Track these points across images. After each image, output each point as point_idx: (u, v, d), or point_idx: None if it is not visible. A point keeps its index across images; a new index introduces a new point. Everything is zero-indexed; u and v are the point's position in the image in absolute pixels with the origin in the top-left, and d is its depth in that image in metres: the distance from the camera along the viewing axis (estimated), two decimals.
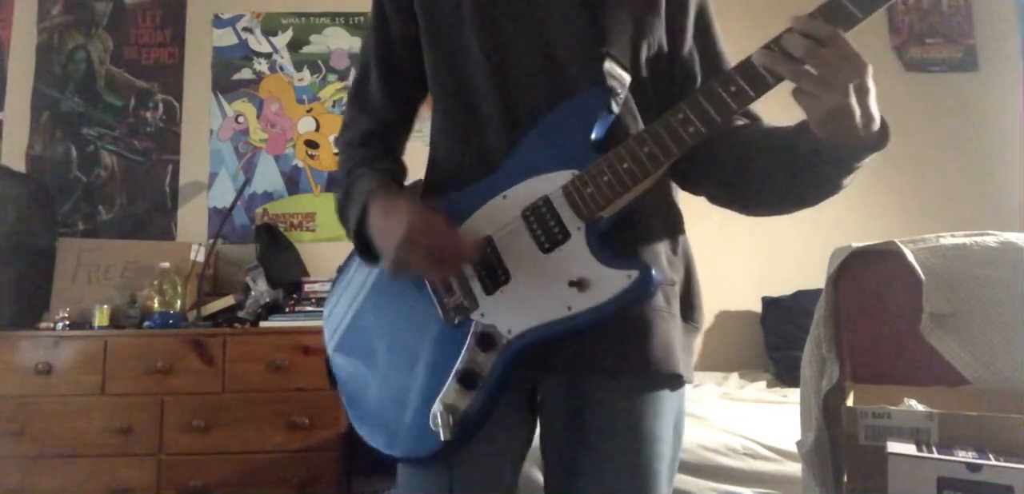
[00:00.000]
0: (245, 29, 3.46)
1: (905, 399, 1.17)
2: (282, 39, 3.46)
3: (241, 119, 3.40)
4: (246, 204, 3.31)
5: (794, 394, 1.91)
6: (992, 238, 1.40)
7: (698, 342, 1.04)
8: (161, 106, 3.39)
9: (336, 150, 1.16)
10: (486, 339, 0.91)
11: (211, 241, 3.09)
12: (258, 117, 3.40)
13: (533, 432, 1.05)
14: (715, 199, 1.06)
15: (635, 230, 0.97)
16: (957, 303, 1.35)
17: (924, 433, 1.06)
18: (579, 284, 0.89)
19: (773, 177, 0.95)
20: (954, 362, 1.33)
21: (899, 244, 1.42)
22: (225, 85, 3.41)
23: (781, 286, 3.18)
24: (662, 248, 1.01)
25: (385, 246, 0.93)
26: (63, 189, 3.29)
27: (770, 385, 2.83)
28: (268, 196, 3.34)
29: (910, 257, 1.39)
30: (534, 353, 0.92)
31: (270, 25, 3.47)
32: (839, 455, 1.29)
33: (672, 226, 1.04)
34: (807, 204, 0.94)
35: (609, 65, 0.96)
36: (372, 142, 1.11)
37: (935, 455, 0.99)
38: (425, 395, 0.93)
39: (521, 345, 0.91)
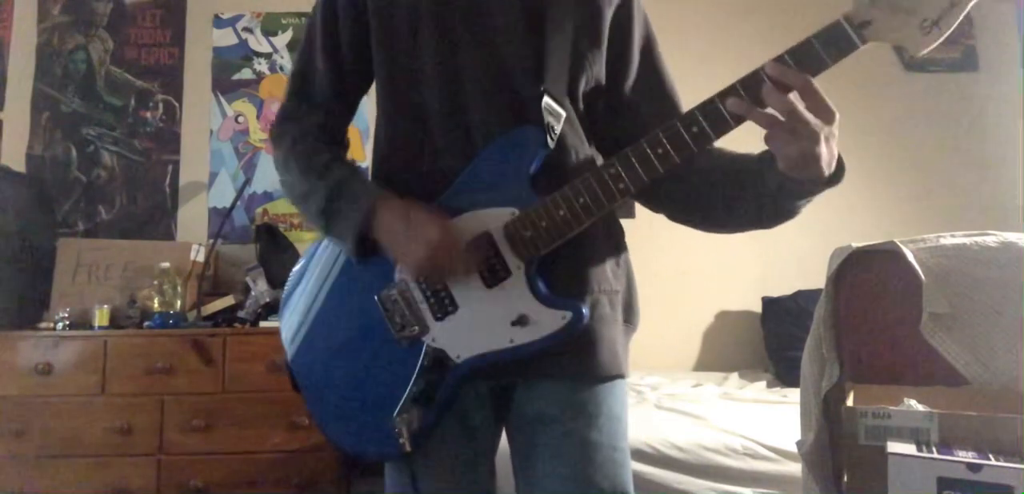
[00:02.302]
0: (245, 29, 3.46)
1: (905, 399, 1.16)
2: (282, 39, 3.46)
3: (241, 119, 3.40)
4: (246, 204, 3.31)
5: (794, 394, 1.91)
6: (992, 238, 1.40)
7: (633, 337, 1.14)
8: (161, 106, 3.39)
9: (280, 135, 1.15)
10: (437, 361, 1.00)
11: (211, 241, 3.09)
12: (258, 117, 3.40)
13: (501, 431, 1.12)
14: (674, 217, 1.12)
15: (582, 248, 1.03)
16: (957, 303, 1.35)
17: (924, 433, 1.06)
18: (520, 321, 0.97)
19: (737, 203, 1.02)
20: (954, 362, 1.33)
21: (899, 244, 1.42)
22: (225, 85, 3.41)
23: (781, 286, 3.18)
24: (607, 261, 1.08)
25: (410, 248, 0.97)
26: (63, 189, 3.29)
27: (770, 385, 2.83)
28: (268, 196, 3.34)
29: (910, 257, 1.39)
30: (485, 370, 1.00)
31: (270, 25, 3.47)
32: (839, 455, 1.29)
33: (615, 240, 1.11)
34: (766, 227, 1.01)
35: (546, 101, 1.00)
36: (326, 137, 1.12)
37: (935, 455, 0.99)
38: (384, 407, 1.00)
39: (469, 368, 0.99)
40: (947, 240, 1.42)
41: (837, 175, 0.91)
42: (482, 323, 0.98)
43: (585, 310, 0.97)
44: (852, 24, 0.86)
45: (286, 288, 1.15)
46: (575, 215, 0.96)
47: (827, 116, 0.85)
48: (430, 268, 0.97)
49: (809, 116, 0.84)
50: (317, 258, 1.12)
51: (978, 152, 3.39)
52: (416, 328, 1.01)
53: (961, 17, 0.85)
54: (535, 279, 0.98)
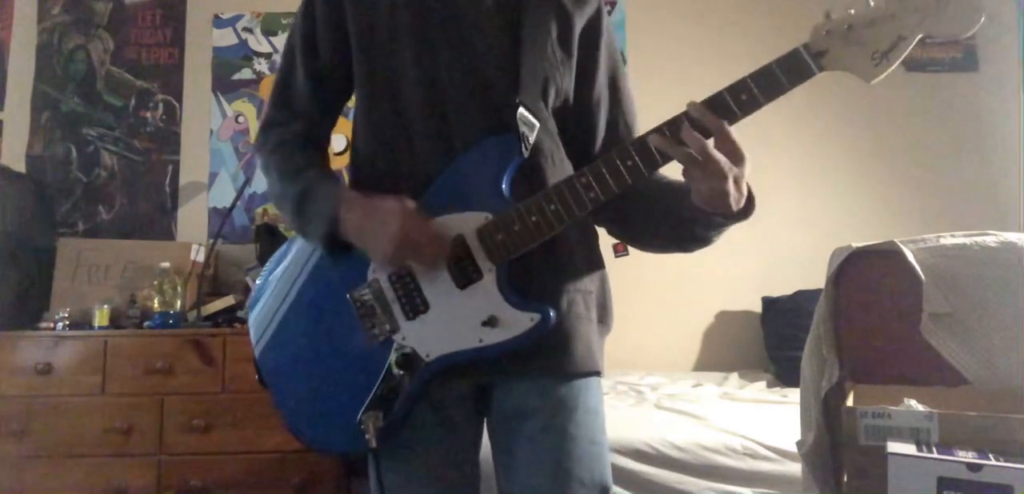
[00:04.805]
0: (245, 29, 3.46)
1: (905, 399, 1.17)
2: (282, 39, 3.45)
3: (241, 119, 3.40)
4: (246, 204, 3.31)
5: (794, 394, 1.91)
6: (992, 238, 1.40)
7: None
8: (161, 106, 3.39)
9: (263, 143, 1.17)
10: (406, 360, 1.01)
11: (211, 241, 3.09)
12: (258, 117, 3.40)
13: (483, 427, 1.14)
14: (611, 233, 1.18)
15: (557, 250, 1.05)
16: (957, 303, 1.35)
17: (924, 433, 1.06)
18: (490, 322, 1.00)
19: (657, 227, 1.11)
20: (954, 362, 1.33)
21: (899, 244, 1.42)
22: (225, 85, 3.41)
23: (781, 286, 3.18)
24: (581, 264, 1.11)
25: (375, 240, 1.00)
26: (63, 189, 3.29)
27: (770, 385, 2.83)
28: (268, 196, 3.34)
29: (910, 257, 1.39)
30: (458, 370, 1.02)
31: (270, 25, 3.47)
32: (839, 455, 1.29)
33: (589, 244, 1.14)
34: (685, 251, 1.10)
35: (521, 111, 1.03)
36: (308, 147, 1.15)
37: (935, 455, 0.99)
38: (351, 403, 1.03)
39: (438, 367, 1.01)
40: (947, 240, 1.42)
41: (745, 211, 0.98)
42: (452, 323, 1.01)
43: (552, 313, 1.00)
44: (810, 52, 0.93)
45: (256, 286, 1.17)
46: (547, 221, 0.99)
47: (737, 159, 0.93)
48: (398, 256, 0.99)
49: (720, 157, 0.91)
50: (288, 257, 1.14)
51: (978, 152, 3.39)
52: (387, 327, 1.02)
53: (909, 49, 0.91)
54: (506, 282, 1.01)
